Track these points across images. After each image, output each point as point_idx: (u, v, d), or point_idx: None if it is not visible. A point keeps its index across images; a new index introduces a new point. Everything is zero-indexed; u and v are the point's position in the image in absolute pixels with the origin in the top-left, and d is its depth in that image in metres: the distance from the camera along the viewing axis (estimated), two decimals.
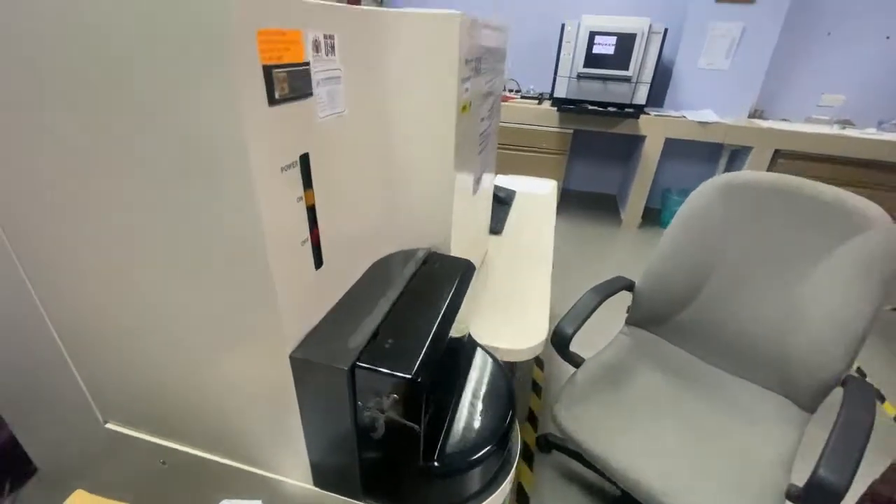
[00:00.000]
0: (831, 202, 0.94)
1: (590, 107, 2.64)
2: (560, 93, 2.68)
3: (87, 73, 0.36)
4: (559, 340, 0.97)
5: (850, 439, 0.73)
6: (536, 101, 2.89)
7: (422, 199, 0.64)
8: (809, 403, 0.96)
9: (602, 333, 1.20)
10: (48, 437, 0.71)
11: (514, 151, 2.85)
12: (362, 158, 0.55)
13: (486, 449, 0.55)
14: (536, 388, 1.60)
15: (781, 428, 0.93)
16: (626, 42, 2.44)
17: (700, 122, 2.57)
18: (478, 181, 0.84)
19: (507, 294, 0.95)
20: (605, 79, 2.58)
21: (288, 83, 0.38)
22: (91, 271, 0.48)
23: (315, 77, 0.42)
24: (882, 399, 1.61)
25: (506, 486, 0.60)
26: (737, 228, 1.05)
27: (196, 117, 0.35)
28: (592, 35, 2.47)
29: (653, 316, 1.17)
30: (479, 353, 0.70)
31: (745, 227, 1.04)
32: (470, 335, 0.74)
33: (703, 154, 2.96)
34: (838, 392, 0.87)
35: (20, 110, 0.40)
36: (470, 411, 0.59)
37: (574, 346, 1.00)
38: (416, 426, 0.47)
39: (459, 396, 0.61)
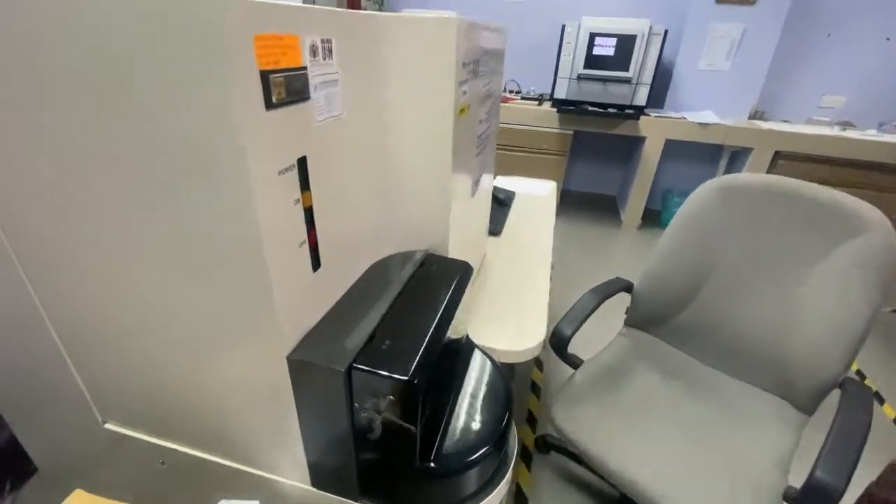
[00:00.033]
0: (829, 204, 0.94)
1: (590, 108, 2.64)
2: (560, 94, 2.68)
3: (87, 75, 0.36)
4: (557, 342, 0.97)
5: (847, 441, 0.74)
6: (537, 102, 2.90)
7: (419, 202, 0.64)
8: (807, 405, 0.96)
9: (601, 335, 1.21)
10: (48, 437, 0.72)
11: (515, 152, 2.86)
12: (360, 161, 0.55)
13: (483, 450, 0.55)
14: (536, 389, 1.60)
15: (779, 430, 0.93)
16: (626, 43, 2.44)
17: (700, 124, 2.57)
18: (476, 183, 0.85)
19: (506, 295, 0.95)
20: (605, 80, 2.58)
21: (285, 87, 0.38)
22: (90, 272, 0.49)
23: (313, 81, 0.42)
24: (882, 401, 1.61)
25: (502, 488, 0.60)
26: (735, 230, 1.05)
27: (194, 121, 0.36)
28: (592, 36, 2.48)
29: (651, 317, 1.17)
30: (476, 354, 0.70)
31: (743, 229, 1.05)
32: (468, 336, 0.74)
33: (703, 155, 2.96)
34: (837, 394, 0.87)
35: (20, 111, 0.41)
36: (467, 412, 0.60)
37: (574, 348, 1.00)
38: (412, 427, 0.47)
39: (456, 397, 0.61)
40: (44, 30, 0.36)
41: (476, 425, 0.58)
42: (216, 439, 0.59)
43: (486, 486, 0.59)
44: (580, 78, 2.60)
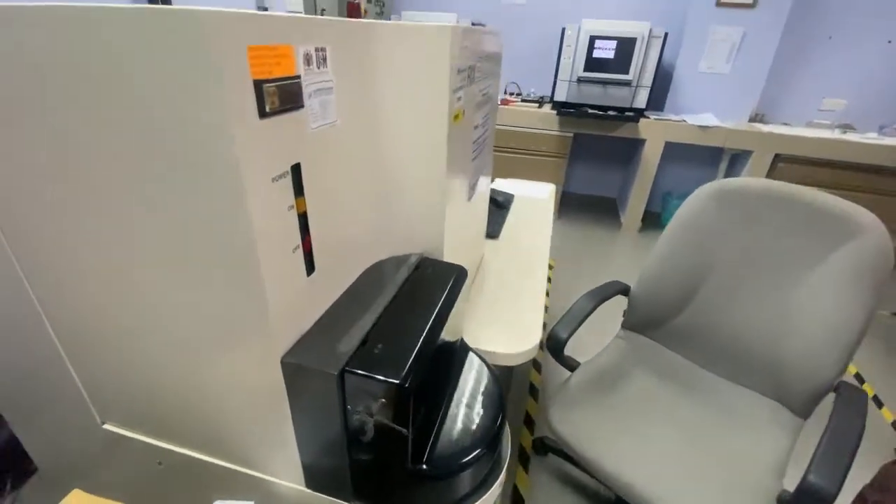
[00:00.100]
0: (824, 208, 0.95)
1: (590, 110, 2.65)
2: (560, 96, 2.69)
3: (85, 84, 0.37)
4: (554, 345, 0.98)
5: (840, 445, 0.74)
6: (537, 105, 2.90)
7: (415, 206, 0.65)
8: (803, 409, 0.96)
9: (599, 338, 1.21)
10: (47, 437, 0.73)
11: (515, 154, 2.87)
12: (355, 167, 0.56)
13: (476, 452, 0.56)
14: (534, 391, 1.61)
15: (774, 433, 0.94)
16: (626, 46, 2.45)
17: (700, 126, 2.58)
18: (472, 187, 0.85)
19: (503, 298, 0.96)
20: (605, 83, 2.59)
21: (278, 96, 0.39)
22: (88, 273, 0.50)
23: (307, 89, 0.43)
24: (880, 405, 1.61)
25: (496, 489, 0.61)
26: (731, 234, 1.06)
27: (190, 129, 0.37)
28: (593, 39, 2.48)
29: (648, 320, 1.17)
30: (470, 356, 0.70)
31: (739, 233, 1.05)
32: (462, 339, 0.75)
33: (703, 158, 2.97)
34: (832, 398, 0.87)
35: (20, 114, 0.41)
36: (460, 415, 0.60)
37: (572, 350, 1.00)
38: (404, 430, 0.48)
39: (450, 400, 0.62)
40: (43, 41, 0.37)
41: (469, 427, 0.59)
42: (212, 440, 0.60)
43: (479, 487, 0.59)
44: (580, 80, 2.61)
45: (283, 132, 0.41)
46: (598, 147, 3.25)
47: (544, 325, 1.65)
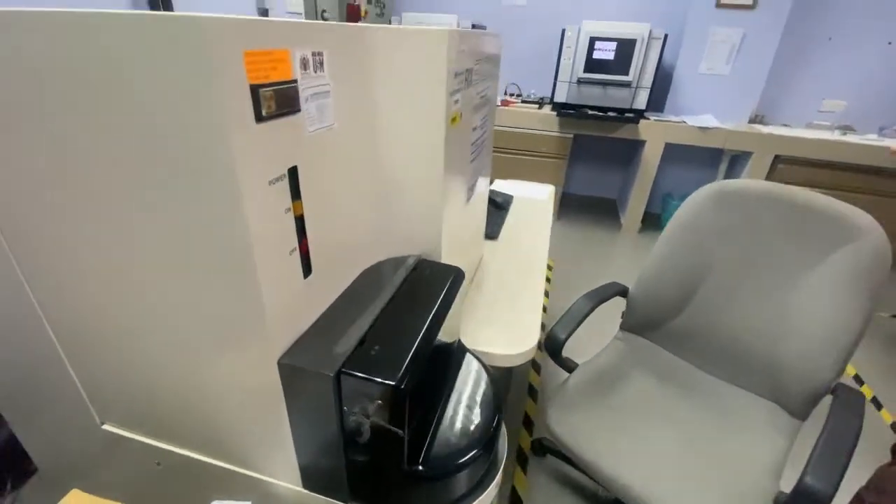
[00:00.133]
0: (822, 211, 0.95)
1: (590, 111, 2.65)
2: (560, 97, 2.69)
3: (85, 87, 0.38)
4: (552, 346, 0.98)
5: (837, 447, 0.74)
6: (537, 106, 2.91)
7: (412, 209, 0.65)
8: (800, 411, 0.96)
9: (599, 339, 1.21)
10: (47, 437, 0.73)
11: (515, 155, 2.87)
12: (353, 169, 0.56)
13: (472, 453, 0.56)
14: (533, 392, 1.61)
15: (771, 435, 0.94)
16: (626, 47, 2.45)
17: (700, 128, 2.58)
18: (471, 188, 0.86)
19: (501, 299, 0.96)
20: (605, 84, 2.59)
21: (275, 101, 0.39)
22: (87, 275, 0.50)
23: (304, 93, 0.43)
24: (879, 406, 1.61)
25: (492, 490, 0.61)
26: (729, 236, 1.06)
27: (188, 133, 0.37)
28: (593, 40, 2.49)
29: (646, 322, 1.18)
30: (467, 358, 0.71)
31: (737, 235, 1.05)
32: (460, 340, 0.75)
33: (703, 159, 2.97)
34: (830, 400, 0.87)
35: (20, 118, 0.42)
36: (456, 416, 0.60)
37: (571, 352, 1.01)
38: (400, 431, 0.48)
39: (447, 401, 0.62)
40: (42, 46, 0.37)
41: (465, 429, 0.59)
42: (210, 441, 0.60)
43: (476, 488, 0.59)
44: (580, 82, 2.61)
45: (280, 136, 0.42)
46: (598, 148, 3.25)
47: (543, 326, 1.65)
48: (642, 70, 2.50)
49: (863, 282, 0.87)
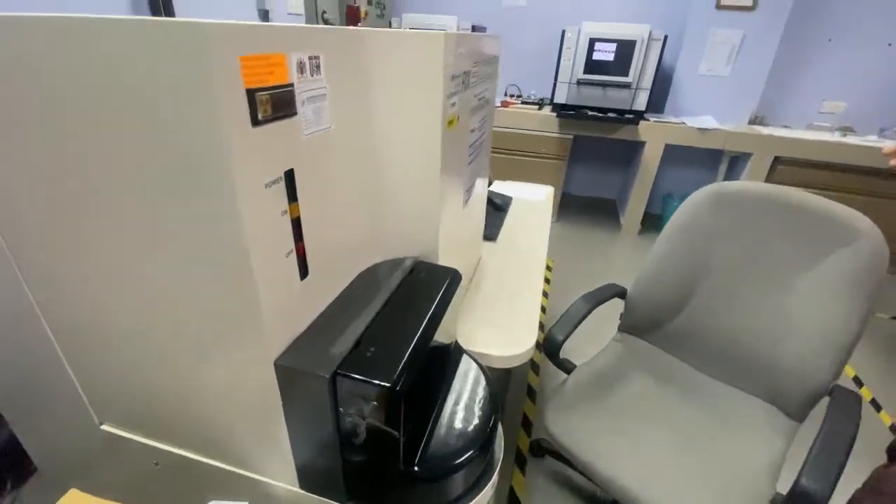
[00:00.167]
0: (819, 213, 0.95)
1: (590, 112, 2.65)
2: (560, 99, 2.69)
3: (85, 91, 0.38)
4: (549, 347, 0.98)
5: (833, 449, 0.74)
6: (537, 107, 2.91)
7: (409, 210, 0.66)
8: (798, 412, 0.96)
9: (598, 340, 1.22)
10: (46, 438, 0.74)
11: (515, 156, 2.87)
12: (349, 172, 0.56)
13: (468, 454, 0.56)
14: (532, 393, 1.61)
15: (769, 437, 0.94)
16: (625, 49, 2.46)
17: (700, 129, 2.58)
18: (469, 190, 0.86)
19: (499, 300, 0.97)
20: (604, 85, 2.59)
21: (271, 104, 0.39)
22: (85, 276, 0.50)
23: (300, 97, 0.44)
24: (878, 408, 1.61)
25: (488, 491, 0.61)
26: (727, 238, 1.06)
27: (184, 137, 0.37)
28: (592, 42, 2.49)
29: (644, 323, 1.18)
30: (464, 359, 0.71)
31: (735, 237, 1.05)
32: (457, 341, 0.75)
33: (703, 160, 2.97)
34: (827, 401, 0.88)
35: (20, 120, 0.42)
36: (453, 417, 0.61)
37: (570, 353, 1.01)
38: (395, 432, 0.49)
39: (443, 402, 0.63)
40: (42, 50, 0.38)
41: (461, 429, 0.59)
42: (208, 441, 0.60)
43: (472, 489, 0.60)
44: (580, 83, 2.62)
45: (277, 139, 0.42)
46: (598, 149, 3.25)
47: (543, 327, 1.66)
48: (642, 71, 2.50)
49: (860, 283, 0.87)
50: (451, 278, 0.66)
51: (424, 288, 0.63)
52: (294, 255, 0.48)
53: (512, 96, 3.10)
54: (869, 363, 1.83)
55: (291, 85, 0.42)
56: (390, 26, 3.00)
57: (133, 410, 0.63)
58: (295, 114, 0.43)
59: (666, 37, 2.43)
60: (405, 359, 0.48)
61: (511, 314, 0.92)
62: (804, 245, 0.97)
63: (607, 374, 1.08)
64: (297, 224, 0.47)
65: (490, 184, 1.67)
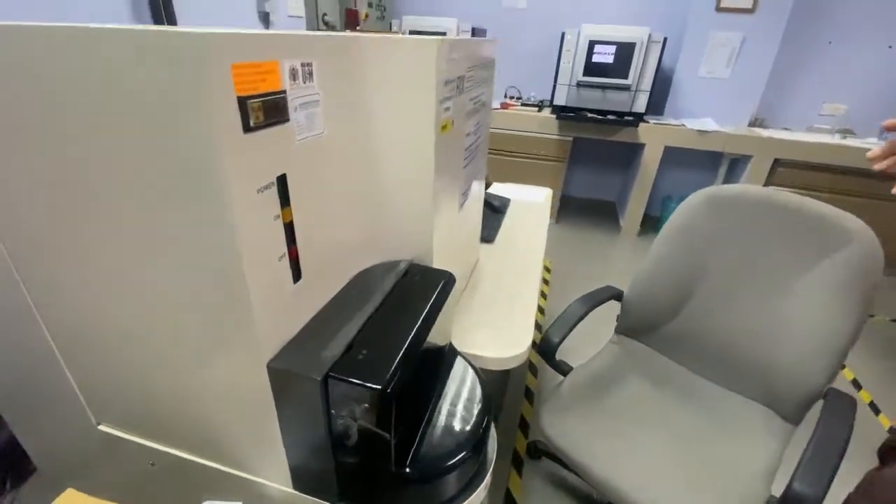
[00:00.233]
0: (813, 215, 0.95)
1: (589, 114, 2.66)
2: (560, 101, 2.70)
3: (84, 98, 0.39)
4: (545, 348, 0.99)
5: (826, 452, 0.75)
6: (537, 109, 2.92)
7: (403, 214, 0.66)
8: (794, 415, 0.96)
9: (595, 342, 1.22)
10: (45, 438, 0.74)
11: (514, 158, 2.88)
12: (343, 177, 0.57)
13: (460, 456, 0.57)
14: (529, 394, 1.61)
15: (764, 440, 0.94)
16: (625, 51, 2.46)
17: (699, 131, 2.58)
18: (464, 193, 0.87)
19: (496, 302, 0.97)
20: (604, 87, 2.60)
21: (263, 111, 0.40)
22: (82, 278, 0.51)
23: (293, 103, 0.44)
24: (877, 411, 1.61)
25: (480, 492, 0.62)
26: (723, 241, 1.07)
27: (179, 143, 0.38)
28: (592, 44, 2.50)
29: (641, 325, 1.18)
30: (458, 360, 0.72)
31: (732, 240, 1.06)
32: (451, 343, 0.76)
33: (703, 162, 2.97)
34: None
35: (19, 125, 0.43)
36: (445, 418, 0.61)
37: (566, 354, 1.01)
38: (386, 434, 0.49)
39: (436, 404, 0.63)
40: (45, 57, 0.38)
41: (454, 431, 0.60)
42: (204, 442, 0.61)
43: (464, 490, 0.60)
44: (580, 85, 2.62)
45: (269, 145, 0.42)
46: (598, 151, 3.26)
47: (541, 329, 1.66)
48: (642, 73, 2.51)
49: (855, 286, 0.87)
50: (445, 281, 0.66)
51: (418, 291, 0.63)
52: (287, 259, 0.48)
53: (512, 98, 3.11)
54: (867, 366, 1.83)
55: (284, 92, 0.43)
56: (391, 28, 3.01)
57: (130, 411, 0.63)
58: (287, 120, 0.44)
59: (665, 39, 2.43)
60: (396, 362, 0.49)
61: (507, 316, 0.93)
62: (800, 248, 0.97)
63: (604, 377, 1.09)
64: (289, 228, 0.48)
65: (488, 186, 1.68)
